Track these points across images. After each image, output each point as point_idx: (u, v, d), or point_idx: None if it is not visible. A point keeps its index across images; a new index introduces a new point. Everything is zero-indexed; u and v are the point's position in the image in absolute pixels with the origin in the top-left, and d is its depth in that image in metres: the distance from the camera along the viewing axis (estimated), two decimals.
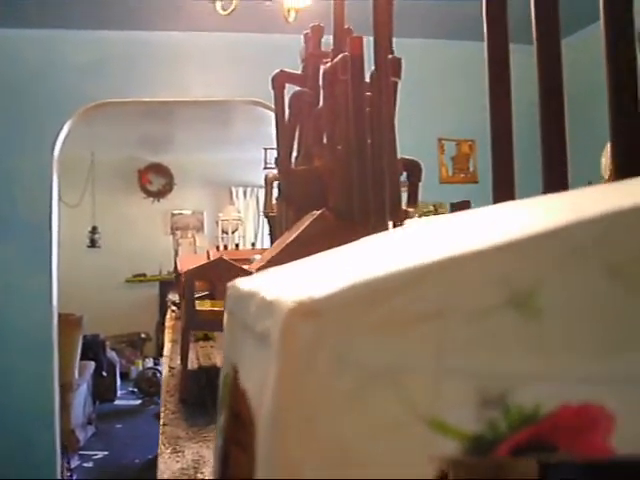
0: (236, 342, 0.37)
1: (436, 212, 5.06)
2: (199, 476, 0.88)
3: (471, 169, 5.40)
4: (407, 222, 1.49)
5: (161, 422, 1.15)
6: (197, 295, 1.67)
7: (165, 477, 0.88)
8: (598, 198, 0.30)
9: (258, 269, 1.39)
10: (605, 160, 4.94)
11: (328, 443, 0.24)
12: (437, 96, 4.73)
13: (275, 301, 0.27)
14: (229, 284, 0.42)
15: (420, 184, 1.67)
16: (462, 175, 5.42)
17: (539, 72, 0.73)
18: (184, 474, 0.89)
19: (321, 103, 1.59)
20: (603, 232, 0.25)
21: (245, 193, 8.83)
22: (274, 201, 2.21)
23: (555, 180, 0.73)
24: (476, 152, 5.30)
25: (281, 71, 1.70)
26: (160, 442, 1.04)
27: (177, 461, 0.94)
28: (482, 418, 0.25)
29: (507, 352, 0.25)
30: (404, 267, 0.25)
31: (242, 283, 0.38)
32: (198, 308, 1.44)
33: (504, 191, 0.82)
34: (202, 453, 0.97)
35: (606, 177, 4.94)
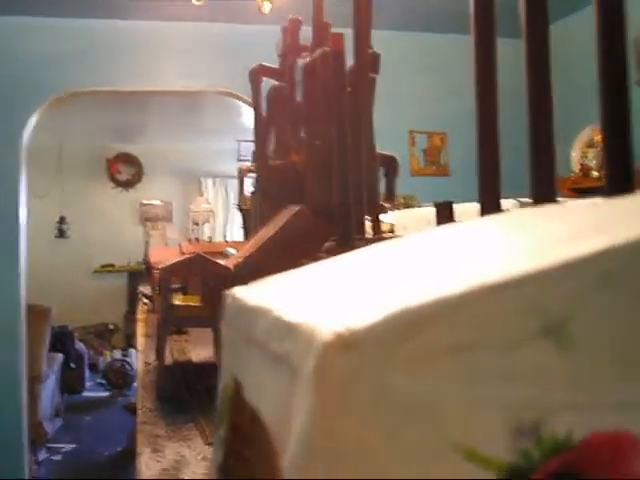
0: (238, 355, 0.36)
1: (406, 205, 5.07)
2: (181, 476, 0.87)
3: (442, 162, 5.42)
4: (396, 230, 1.49)
5: (139, 420, 1.14)
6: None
7: (146, 477, 0.87)
8: (616, 216, 0.30)
9: (236, 265, 1.39)
10: (575, 154, 4.99)
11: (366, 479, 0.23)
12: (408, 89, 4.74)
13: (299, 325, 0.26)
14: (226, 293, 0.41)
15: (397, 179, 1.67)
16: (433, 168, 5.44)
17: (527, 67, 0.73)
18: (165, 474, 0.88)
19: (299, 97, 1.58)
20: (634, 258, 0.24)
21: (214, 183, 8.79)
22: (248, 194, 2.20)
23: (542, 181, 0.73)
24: (447, 145, 5.32)
25: (259, 65, 1.69)
26: (139, 441, 1.03)
27: (158, 461, 0.93)
28: (516, 448, 0.24)
29: (539, 382, 0.25)
30: (437, 295, 0.25)
31: (243, 294, 0.38)
32: (175, 303, 1.42)
33: (490, 191, 0.82)
34: (183, 452, 0.96)
35: (577, 170, 4.98)
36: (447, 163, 5.32)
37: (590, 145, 4.94)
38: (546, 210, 0.39)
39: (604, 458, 0.24)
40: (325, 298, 0.31)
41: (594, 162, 4.95)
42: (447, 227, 0.44)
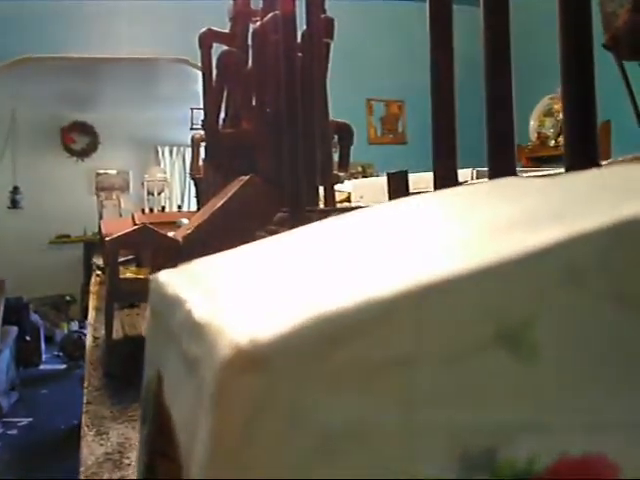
0: (159, 346, 0.32)
1: (364, 173, 5.04)
2: (125, 461, 0.83)
3: (400, 130, 5.40)
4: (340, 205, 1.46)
5: (84, 400, 1.10)
6: (121, 259, 1.61)
7: (89, 463, 0.83)
8: (581, 197, 0.26)
9: (185, 237, 1.34)
10: (533, 123, 5.00)
11: None
12: (366, 57, 4.70)
13: (206, 326, 0.22)
14: (151, 277, 0.37)
15: (352, 147, 1.64)
16: (391, 136, 5.42)
17: (485, 37, 0.70)
18: (109, 459, 0.84)
19: (250, 64, 1.54)
20: (606, 250, 0.21)
21: (171, 152, 8.68)
22: (201, 163, 2.16)
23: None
24: (405, 113, 5.29)
25: (208, 29, 1.64)
26: (83, 423, 0.99)
27: (101, 444, 0.89)
28: (468, 478, 0.20)
29: (494, 400, 0.21)
30: (366, 299, 0.20)
31: (165, 279, 0.34)
32: (122, 277, 1.38)
33: (445, 159, 0.79)
34: (128, 435, 0.93)
35: (534, 139, 5.00)
36: (404, 131, 5.30)
37: (547, 114, 4.95)
38: (499, 187, 0.36)
39: None
40: (247, 288, 0.27)
41: (551, 131, 4.96)
42: (392, 205, 0.40)
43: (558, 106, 4.52)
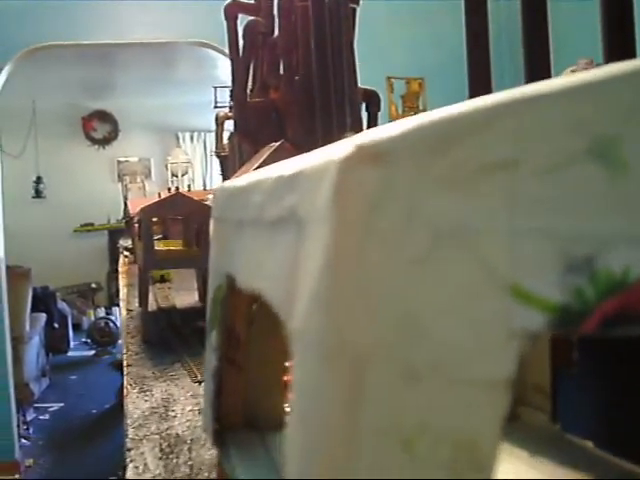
0: (229, 248, 0.33)
1: None
2: (170, 414, 0.85)
3: (421, 107, 5.36)
4: None
5: (125, 363, 1.12)
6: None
7: (135, 417, 0.84)
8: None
9: None
10: None
11: (397, 318, 0.20)
12: (386, 34, 4.67)
13: (303, 171, 0.23)
14: (214, 189, 0.38)
15: (379, 114, 1.64)
16: (412, 114, 5.38)
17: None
18: (155, 413, 0.85)
19: (276, 33, 1.54)
20: None
21: (192, 138, 8.69)
22: (225, 141, 2.16)
23: None
24: (425, 90, 5.26)
25: (233, 1, 1.64)
26: (126, 383, 1.00)
27: (145, 400, 0.91)
28: (567, 286, 0.21)
29: (590, 210, 0.21)
30: (474, 109, 0.21)
31: (233, 182, 0.34)
32: (156, 248, 1.39)
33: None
34: (171, 391, 0.94)
35: None
36: (425, 108, 5.27)
37: None
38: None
39: None
40: (331, 151, 0.27)
41: None
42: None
43: None
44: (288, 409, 0.39)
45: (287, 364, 0.37)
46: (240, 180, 0.34)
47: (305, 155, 0.35)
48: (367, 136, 0.21)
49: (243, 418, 0.36)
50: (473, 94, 0.87)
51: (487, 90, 0.86)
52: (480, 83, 0.87)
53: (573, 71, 4.84)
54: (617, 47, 0.66)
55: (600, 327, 0.20)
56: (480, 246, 0.20)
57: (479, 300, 0.20)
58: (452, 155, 0.21)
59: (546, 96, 0.21)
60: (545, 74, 0.78)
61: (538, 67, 0.78)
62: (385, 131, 0.21)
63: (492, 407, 0.20)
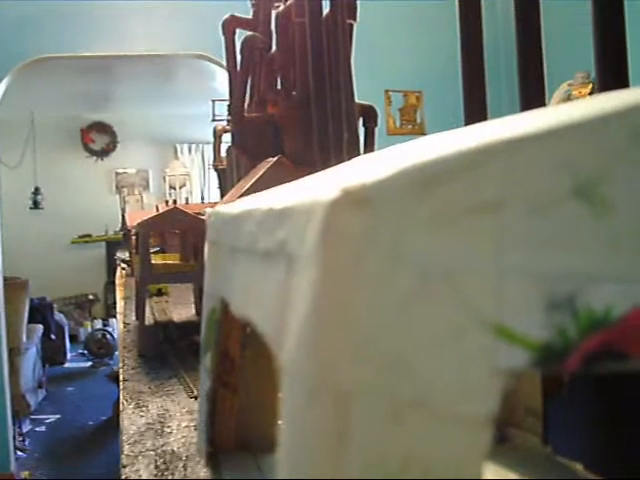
0: (223, 272, 0.33)
1: None
2: (166, 430, 0.85)
3: (418, 120, 5.38)
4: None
5: (121, 378, 1.12)
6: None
7: (131, 433, 0.84)
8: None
9: None
10: (553, 102, 4.97)
11: (383, 356, 0.20)
12: (384, 47, 4.69)
13: (293, 208, 0.23)
14: (209, 212, 0.39)
15: (376, 129, 1.65)
16: (409, 127, 5.40)
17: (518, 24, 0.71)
18: (150, 428, 0.86)
19: (274, 48, 1.54)
20: None
21: (190, 150, 8.70)
22: (223, 154, 2.17)
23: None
24: (423, 103, 5.28)
25: (231, 16, 1.65)
26: (122, 398, 1.00)
27: (141, 416, 0.91)
28: (550, 323, 0.21)
29: (574, 248, 0.22)
30: (460, 149, 0.22)
31: (226, 208, 0.35)
32: (153, 262, 1.39)
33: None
34: (167, 407, 0.94)
35: None
36: (423, 121, 5.28)
37: (566, 101, 4.92)
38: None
39: None
40: (321, 187, 0.28)
41: None
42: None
43: (577, 92, 4.51)
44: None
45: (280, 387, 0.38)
46: (233, 206, 0.34)
47: (296, 183, 0.35)
48: (353, 177, 0.22)
49: (236, 440, 0.37)
50: (468, 111, 0.88)
51: (482, 105, 0.87)
52: (475, 99, 0.88)
53: (570, 85, 4.85)
54: (609, 61, 0.66)
55: (583, 364, 0.21)
56: (465, 286, 0.21)
57: (464, 339, 0.21)
58: (438, 197, 0.21)
59: (531, 138, 0.22)
60: (539, 91, 0.78)
61: (533, 85, 0.79)
62: (371, 171, 0.22)
63: (475, 443, 0.20)
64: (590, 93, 4.55)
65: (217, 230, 0.35)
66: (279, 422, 0.43)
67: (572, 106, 0.23)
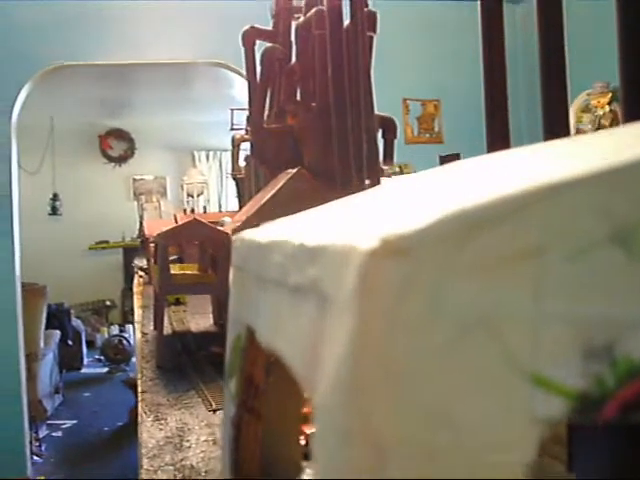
0: (249, 300, 0.33)
1: (402, 173, 5.03)
2: (185, 444, 0.85)
3: (436, 129, 5.37)
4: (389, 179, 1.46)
5: (139, 389, 1.12)
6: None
7: (150, 446, 0.84)
8: None
9: (234, 230, 1.36)
10: (570, 119, 4.95)
11: (420, 405, 0.20)
12: (402, 56, 4.69)
13: (326, 247, 0.23)
14: (234, 237, 0.38)
15: (395, 141, 1.64)
16: (427, 135, 5.40)
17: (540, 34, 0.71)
18: (169, 442, 0.86)
19: (294, 59, 1.55)
20: None
21: (208, 157, 8.73)
22: (241, 163, 2.17)
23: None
24: (441, 112, 5.27)
25: (251, 27, 1.65)
26: (140, 410, 1.00)
27: (160, 429, 0.91)
28: (588, 372, 0.21)
29: (611, 295, 0.22)
30: (500, 195, 0.21)
31: (252, 234, 0.35)
32: (172, 272, 1.40)
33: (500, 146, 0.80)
34: (185, 420, 0.94)
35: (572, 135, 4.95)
36: (441, 130, 5.28)
37: (585, 110, 4.90)
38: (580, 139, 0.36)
39: None
40: (352, 224, 0.28)
41: (589, 127, 4.92)
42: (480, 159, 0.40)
43: (596, 102, 4.49)
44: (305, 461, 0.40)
45: (305, 412, 0.38)
46: (258, 233, 0.34)
47: (324, 210, 0.35)
48: (390, 220, 0.22)
49: (261, 467, 0.37)
50: (489, 122, 0.87)
51: (504, 117, 0.86)
52: (497, 119, 0.87)
53: (589, 94, 4.81)
54: (634, 70, 0.66)
55: (620, 412, 0.21)
56: (504, 334, 0.21)
57: (501, 388, 0.21)
58: (478, 245, 0.21)
59: (572, 183, 0.22)
60: (562, 100, 0.78)
61: (555, 96, 0.78)
62: (408, 215, 0.21)
63: None
64: (609, 103, 4.53)
65: (243, 257, 0.35)
66: (302, 450, 0.43)
67: (604, 139, 0.23)
